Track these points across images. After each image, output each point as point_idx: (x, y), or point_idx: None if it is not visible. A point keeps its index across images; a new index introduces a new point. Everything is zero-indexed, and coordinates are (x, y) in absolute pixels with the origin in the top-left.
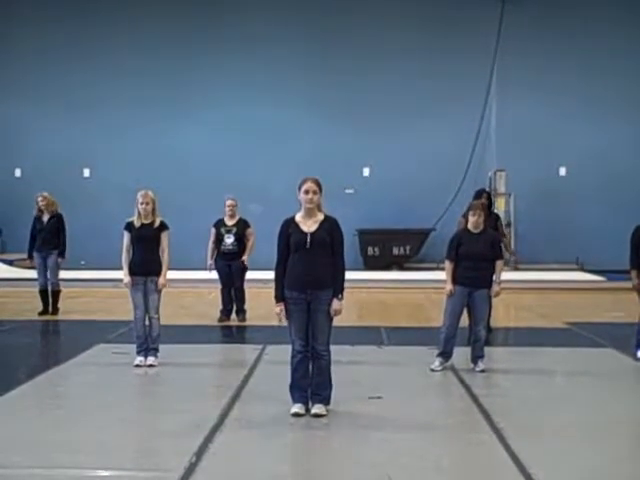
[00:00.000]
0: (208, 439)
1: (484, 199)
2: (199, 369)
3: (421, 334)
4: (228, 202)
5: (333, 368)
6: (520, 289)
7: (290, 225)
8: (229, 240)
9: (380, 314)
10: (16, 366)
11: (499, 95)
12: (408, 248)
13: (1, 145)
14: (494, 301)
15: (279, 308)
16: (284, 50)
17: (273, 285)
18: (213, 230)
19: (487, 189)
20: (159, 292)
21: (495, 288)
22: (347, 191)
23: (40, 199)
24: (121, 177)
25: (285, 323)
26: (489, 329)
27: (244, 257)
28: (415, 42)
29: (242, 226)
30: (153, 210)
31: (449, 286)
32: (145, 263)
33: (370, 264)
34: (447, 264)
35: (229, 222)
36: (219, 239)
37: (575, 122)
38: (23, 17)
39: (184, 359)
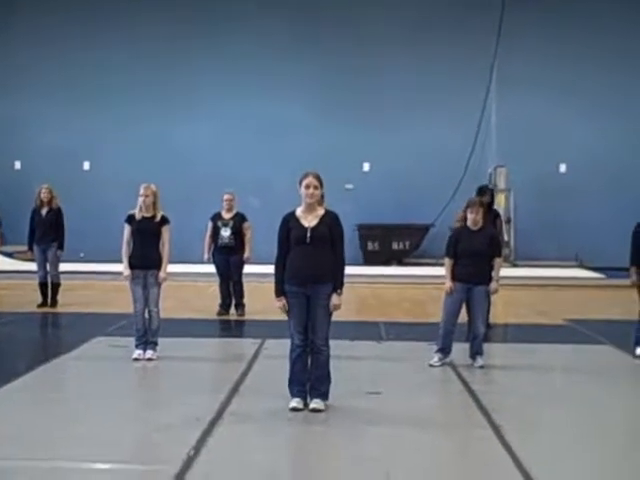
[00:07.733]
0: (206, 433)
1: (487, 196)
2: (198, 363)
3: (420, 330)
4: (225, 196)
5: (332, 363)
6: (519, 285)
7: (290, 220)
8: (225, 234)
9: (379, 309)
10: (15, 358)
11: (499, 91)
12: (408, 243)
13: (1, 138)
14: (493, 297)
15: (280, 303)
16: (285, 47)
17: (273, 279)
18: (210, 224)
19: (490, 185)
20: (159, 286)
21: (493, 285)
22: (347, 186)
23: (44, 191)
24: (121, 170)
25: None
26: (488, 325)
27: (246, 254)
28: (416, 38)
29: (239, 220)
30: (154, 203)
31: (449, 283)
32: (145, 257)
33: (370, 259)
34: (446, 261)
35: (226, 215)
36: (216, 232)
37: (575, 119)
38: (24, 10)
39: (183, 353)
